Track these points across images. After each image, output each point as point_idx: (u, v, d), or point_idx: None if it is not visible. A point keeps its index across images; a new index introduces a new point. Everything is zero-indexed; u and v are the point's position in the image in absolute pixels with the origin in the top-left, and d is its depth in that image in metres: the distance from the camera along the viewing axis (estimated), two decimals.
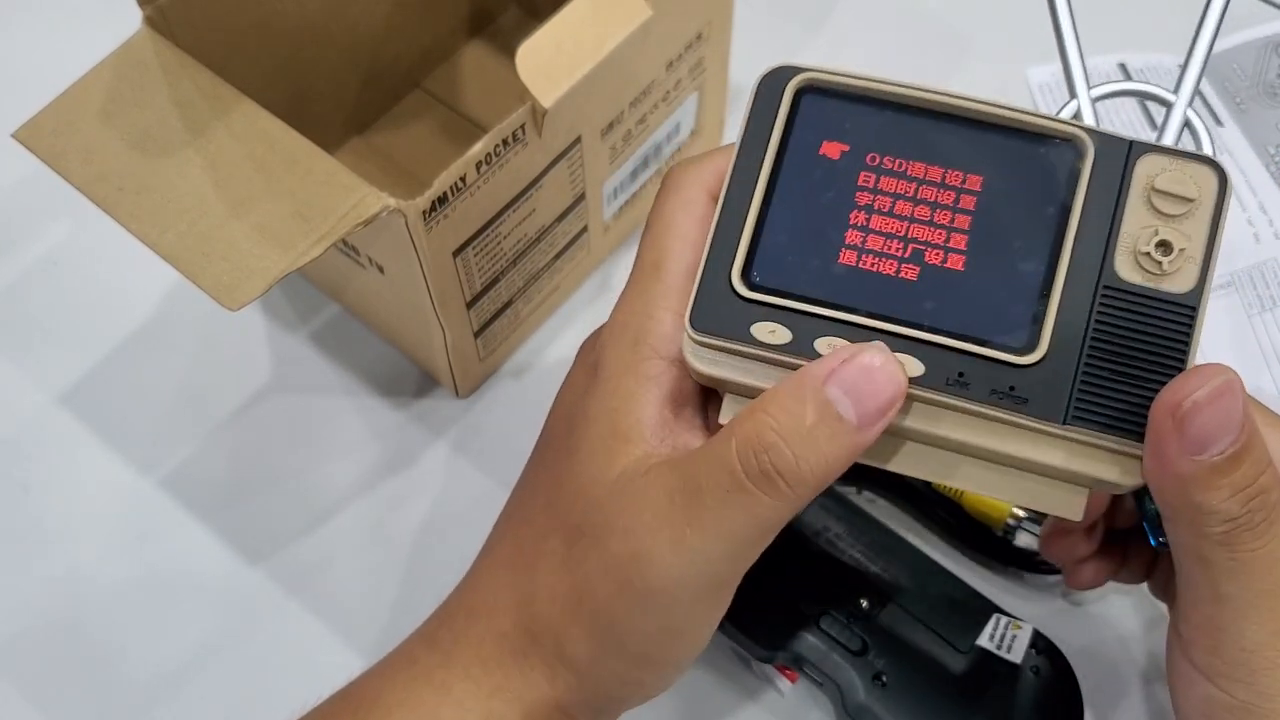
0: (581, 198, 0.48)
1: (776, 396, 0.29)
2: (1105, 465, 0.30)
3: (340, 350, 0.52)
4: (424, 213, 0.40)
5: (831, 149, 0.31)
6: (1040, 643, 0.42)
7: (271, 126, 0.40)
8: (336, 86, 0.53)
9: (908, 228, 0.30)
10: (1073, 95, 0.34)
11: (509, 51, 0.42)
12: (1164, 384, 0.29)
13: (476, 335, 0.48)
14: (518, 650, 0.32)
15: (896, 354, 0.29)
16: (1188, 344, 0.30)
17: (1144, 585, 0.41)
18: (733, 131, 0.57)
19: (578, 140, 0.45)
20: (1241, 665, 0.31)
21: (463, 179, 0.41)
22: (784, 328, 0.30)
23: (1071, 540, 0.40)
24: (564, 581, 0.31)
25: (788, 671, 0.43)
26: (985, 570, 0.46)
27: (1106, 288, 0.30)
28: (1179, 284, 0.30)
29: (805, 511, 0.43)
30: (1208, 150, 0.33)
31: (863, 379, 0.28)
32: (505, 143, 0.41)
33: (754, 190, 0.31)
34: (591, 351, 0.35)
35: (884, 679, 0.41)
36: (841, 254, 0.31)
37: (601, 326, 0.35)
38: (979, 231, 0.30)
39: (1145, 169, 0.30)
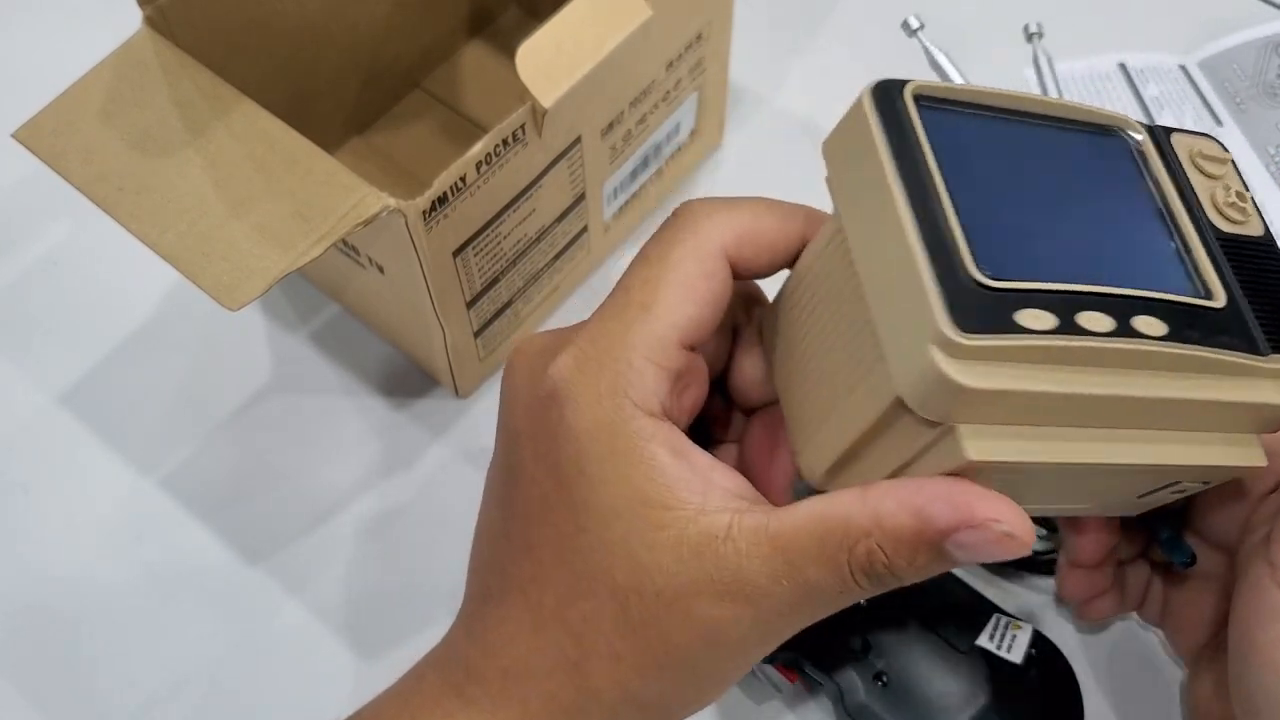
0: (581, 198, 0.48)
1: (897, 534, 0.28)
2: None
3: (340, 350, 0.52)
4: (424, 213, 0.40)
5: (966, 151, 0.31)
6: (1040, 643, 0.42)
7: (271, 126, 0.40)
8: (336, 86, 0.53)
9: (1063, 210, 0.31)
10: None
11: (509, 51, 0.42)
12: None
13: (476, 335, 0.48)
14: (572, 707, 0.32)
15: (1144, 316, 0.29)
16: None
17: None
18: (734, 132, 0.57)
19: (578, 140, 0.45)
20: None
21: (463, 179, 0.41)
22: (1045, 311, 0.28)
23: (1091, 575, 0.39)
24: (629, 642, 0.31)
25: (788, 671, 0.43)
26: (985, 570, 0.46)
27: (1220, 239, 0.32)
28: (1255, 229, 0.33)
29: None
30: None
31: (995, 545, 0.28)
32: (505, 143, 0.41)
33: (937, 193, 0.29)
34: (541, 376, 0.32)
35: (884, 679, 0.41)
36: (1034, 240, 0.30)
37: (543, 337, 0.33)
38: (1109, 210, 0.31)
39: (1179, 144, 0.33)
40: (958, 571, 0.44)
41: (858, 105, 0.30)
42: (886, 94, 0.30)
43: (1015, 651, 0.41)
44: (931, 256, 0.28)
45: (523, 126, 0.41)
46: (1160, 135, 0.33)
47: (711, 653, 0.31)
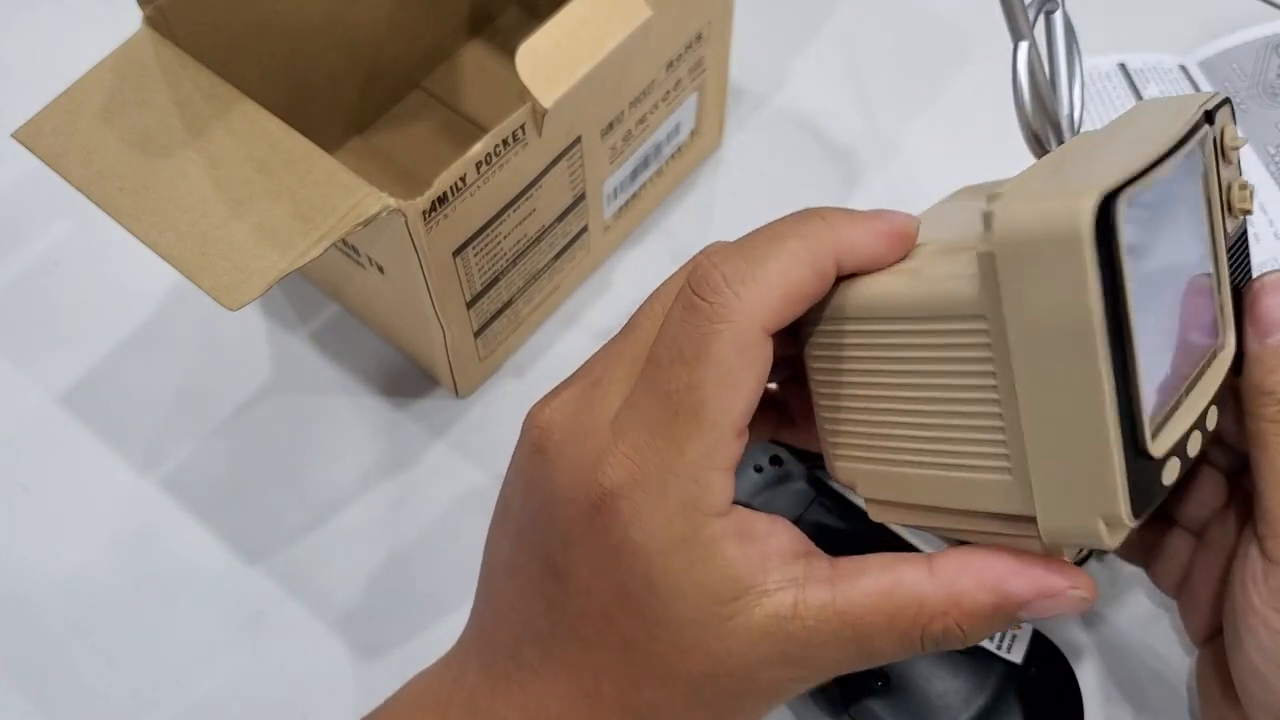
0: (581, 198, 0.48)
1: (975, 612, 0.29)
2: None
3: (340, 350, 0.52)
4: (424, 213, 0.40)
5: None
6: (1040, 643, 0.42)
7: (271, 126, 0.40)
8: (336, 86, 0.53)
9: (1169, 293, 0.30)
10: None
11: (509, 51, 0.42)
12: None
13: (476, 335, 0.48)
14: None
15: (1211, 410, 0.31)
16: (1250, 261, 0.34)
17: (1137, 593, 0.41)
18: (734, 132, 0.57)
19: (578, 140, 0.45)
20: None
21: (463, 179, 0.41)
22: (1176, 458, 0.29)
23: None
24: (699, 713, 0.31)
25: None
26: None
27: (1228, 244, 0.33)
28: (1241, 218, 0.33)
29: (805, 511, 0.43)
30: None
31: (1071, 607, 0.29)
32: (505, 143, 0.41)
33: (1133, 356, 0.27)
34: (589, 480, 0.31)
35: (884, 679, 0.41)
36: (1165, 364, 0.29)
37: (568, 412, 0.32)
38: (1181, 267, 0.31)
39: (1217, 129, 0.32)
40: None
41: (1073, 228, 0.26)
42: (1106, 216, 0.26)
43: (1015, 651, 0.41)
44: (1122, 433, 0.27)
45: (523, 126, 0.41)
46: (1210, 121, 0.31)
47: (774, 702, 0.32)
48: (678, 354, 0.30)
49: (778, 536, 0.31)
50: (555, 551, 0.32)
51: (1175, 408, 0.30)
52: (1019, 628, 0.42)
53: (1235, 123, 0.32)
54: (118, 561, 0.48)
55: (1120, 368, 0.27)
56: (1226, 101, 0.32)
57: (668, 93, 0.49)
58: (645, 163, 0.51)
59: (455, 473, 0.49)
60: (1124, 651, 0.44)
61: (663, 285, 0.33)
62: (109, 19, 0.45)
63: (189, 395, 0.51)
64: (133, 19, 0.42)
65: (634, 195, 0.52)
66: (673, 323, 0.30)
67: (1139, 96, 0.58)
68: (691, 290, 0.30)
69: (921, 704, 0.40)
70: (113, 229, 0.39)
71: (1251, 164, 0.55)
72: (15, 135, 0.40)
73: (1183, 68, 0.59)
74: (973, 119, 0.57)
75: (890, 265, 0.31)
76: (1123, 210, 0.26)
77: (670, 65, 0.48)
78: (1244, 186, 0.32)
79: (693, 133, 0.54)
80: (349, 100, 0.55)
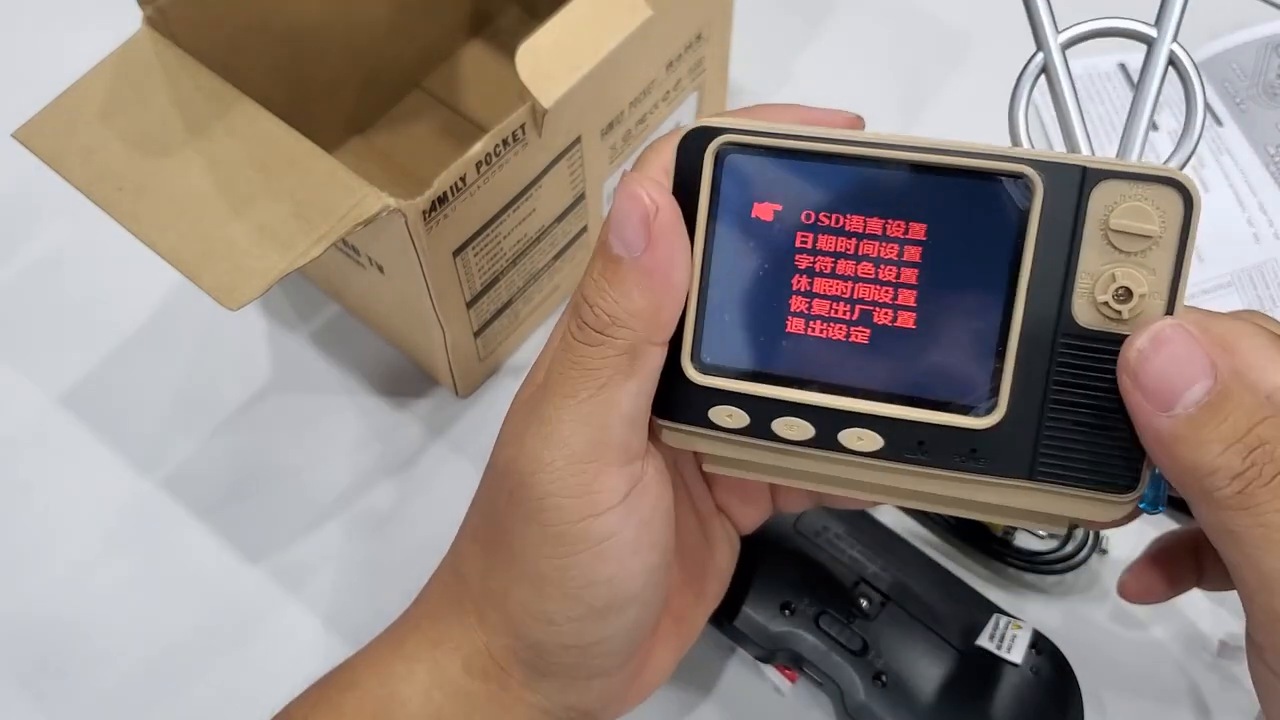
0: (581, 198, 0.48)
1: (590, 262, 0.30)
2: (1079, 506, 0.29)
3: (340, 350, 0.52)
4: (424, 213, 0.40)
5: (764, 210, 0.29)
6: (1040, 643, 0.42)
7: (271, 126, 0.40)
8: (336, 86, 0.53)
9: (853, 288, 0.29)
10: (1039, 47, 0.30)
11: (509, 51, 0.42)
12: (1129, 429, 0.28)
13: (476, 335, 0.48)
14: (454, 596, 0.34)
15: (856, 429, 0.29)
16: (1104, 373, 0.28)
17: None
18: None
19: (578, 140, 0.45)
20: None
21: (463, 179, 0.41)
22: (741, 411, 0.30)
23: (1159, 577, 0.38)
24: (474, 514, 0.34)
25: (788, 671, 0.43)
26: (985, 570, 0.46)
27: (1065, 336, 0.28)
28: (1127, 329, 0.28)
29: (806, 511, 0.43)
30: (1196, 92, 0.31)
31: (619, 215, 0.29)
32: (505, 143, 0.41)
33: (691, 266, 0.30)
34: None
35: (884, 679, 0.41)
36: (789, 322, 0.29)
37: None
38: (927, 285, 0.28)
39: (1102, 198, 0.27)
40: (957, 571, 0.44)
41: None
42: (692, 146, 0.29)
43: (1015, 651, 0.41)
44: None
45: (523, 126, 0.41)
46: (1079, 182, 0.27)
47: (512, 509, 0.31)
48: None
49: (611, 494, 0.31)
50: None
51: (767, 379, 0.30)
52: (1019, 627, 0.42)
53: (1195, 214, 0.27)
54: (118, 561, 0.48)
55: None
56: (1162, 181, 0.27)
57: (668, 92, 0.49)
58: None
59: (455, 473, 0.49)
60: (1124, 652, 0.45)
61: None
62: (109, 19, 0.45)
63: (189, 395, 0.51)
64: (133, 19, 0.42)
65: None
66: None
67: None
68: None
69: (921, 704, 0.40)
70: (113, 229, 0.39)
71: (1251, 164, 0.55)
72: (15, 135, 0.40)
73: None
74: (972, 118, 0.57)
75: None
76: (713, 147, 0.29)
77: (670, 65, 0.48)
78: (1111, 279, 0.27)
79: None
80: (349, 100, 0.55)
